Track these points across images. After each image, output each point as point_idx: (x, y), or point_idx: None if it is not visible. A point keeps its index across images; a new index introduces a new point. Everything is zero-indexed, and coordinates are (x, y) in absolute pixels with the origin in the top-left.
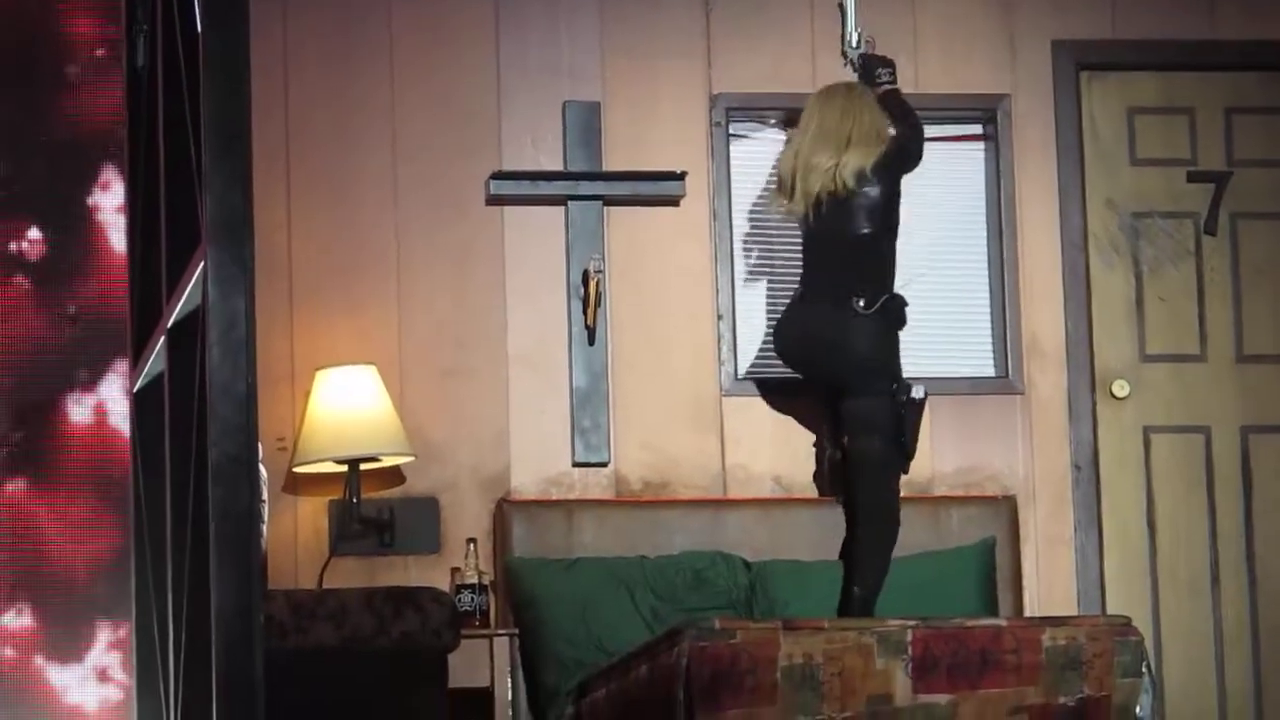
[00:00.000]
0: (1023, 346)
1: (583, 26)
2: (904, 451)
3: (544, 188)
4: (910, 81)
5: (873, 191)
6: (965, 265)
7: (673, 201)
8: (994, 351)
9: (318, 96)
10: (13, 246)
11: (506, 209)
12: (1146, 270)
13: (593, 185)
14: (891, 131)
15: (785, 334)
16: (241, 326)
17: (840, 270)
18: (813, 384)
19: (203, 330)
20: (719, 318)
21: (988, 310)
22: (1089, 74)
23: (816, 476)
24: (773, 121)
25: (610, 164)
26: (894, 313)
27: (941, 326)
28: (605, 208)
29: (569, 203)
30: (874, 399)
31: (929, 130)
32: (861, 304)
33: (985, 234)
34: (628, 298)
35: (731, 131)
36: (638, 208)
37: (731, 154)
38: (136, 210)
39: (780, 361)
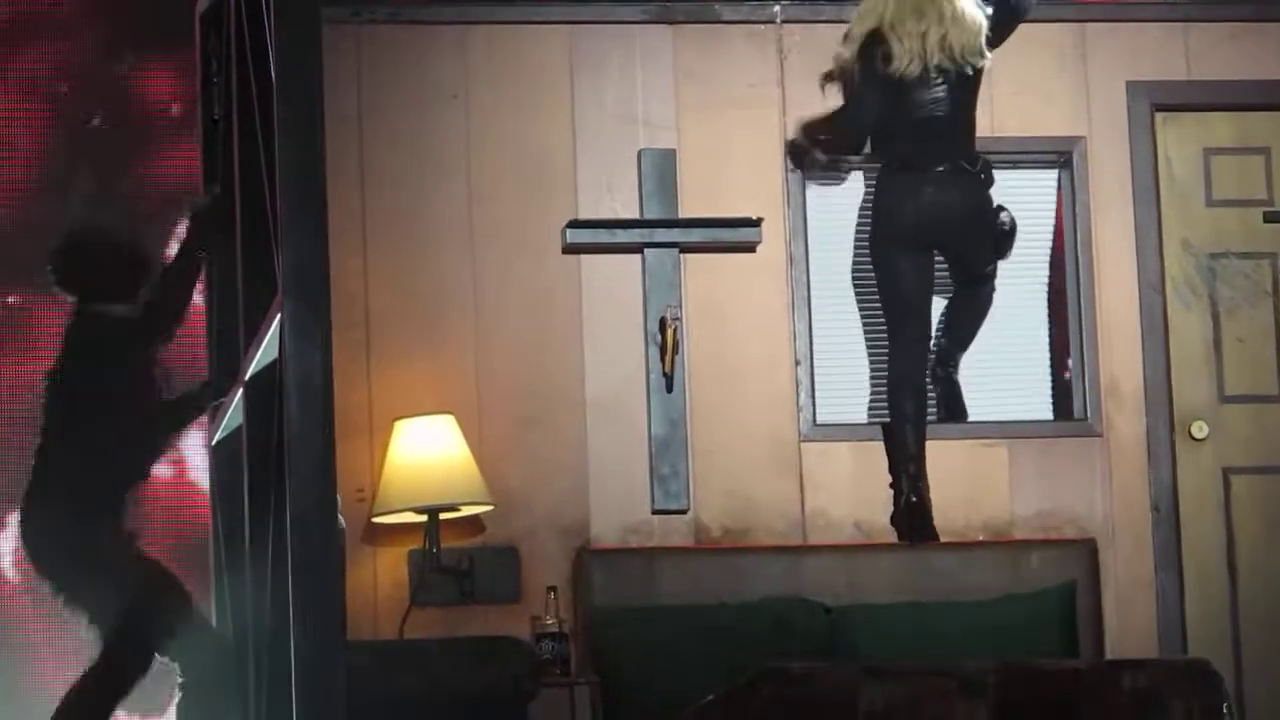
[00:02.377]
0: (1101, 389)
1: (658, 75)
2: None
3: (620, 236)
4: (985, 126)
5: (981, 64)
6: (1040, 306)
7: (749, 248)
8: (1073, 394)
9: (393, 145)
10: None
11: (583, 256)
12: (1224, 311)
13: (669, 232)
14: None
15: (909, 201)
16: (319, 379)
17: (959, 139)
18: (928, 243)
19: (281, 383)
20: (796, 363)
21: (1053, 353)
22: (1164, 115)
23: (895, 520)
24: (847, 167)
25: (686, 211)
26: (989, 175)
27: (1014, 368)
28: (682, 255)
29: (645, 250)
30: (987, 234)
31: (1005, 173)
32: (976, 166)
33: (1045, 274)
34: (705, 344)
35: (808, 181)
36: (714, 254)
37: (807, 199)
38: (213, 264)
39: (894, 233)
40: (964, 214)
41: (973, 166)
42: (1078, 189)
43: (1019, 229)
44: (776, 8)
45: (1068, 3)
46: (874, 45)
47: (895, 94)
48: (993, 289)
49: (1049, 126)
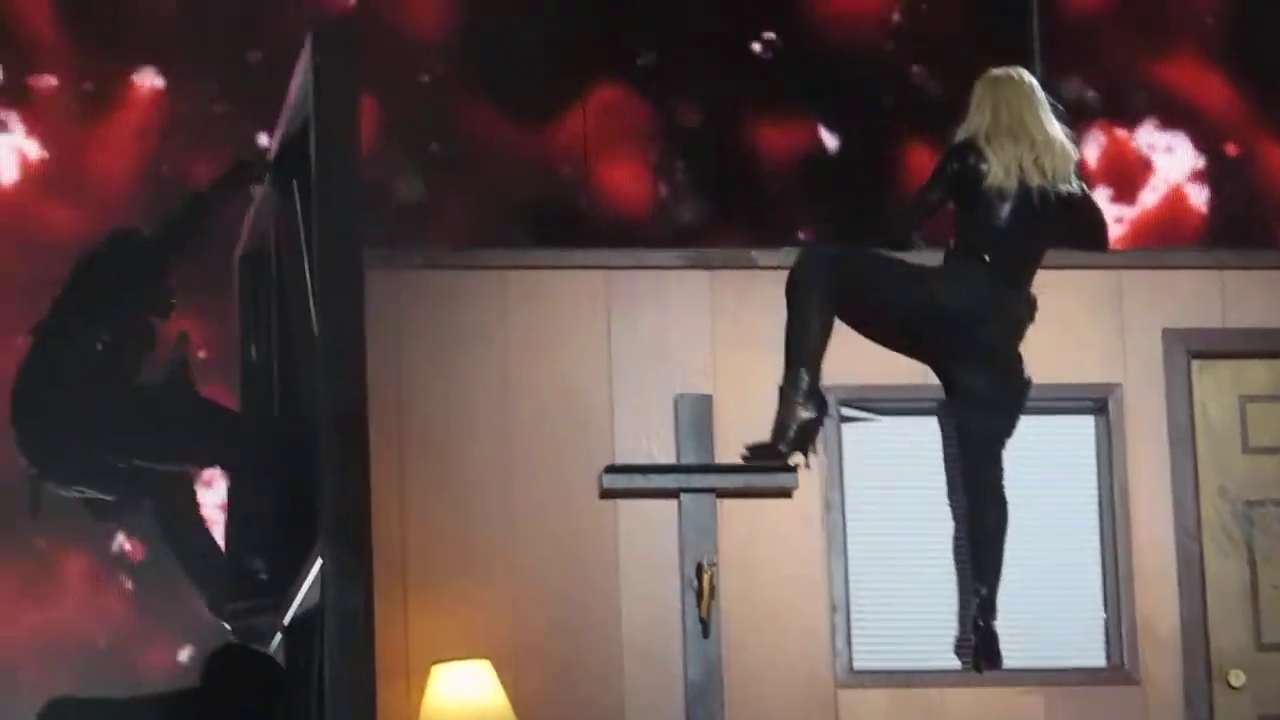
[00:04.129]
0: (1138, 635)
1: (693, 319)
2: (1012, 431)
3: (656, 481)
4: None
5: (1070, 200)
6: (1075, 550)
7: (785, 493)
8: (1107, 640)
9: (431, 387)
10: (114, 546)
11: (620, 501)
12: (1260, 558)
13: (705, 478)
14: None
15: (961, 292)
16: (359, 625)
17: (1023, 258)
18: (948, 350)
19: (321, 627)
20: (833, 609)
21: (1100, 597)
22: (1200, 362)
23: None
24: (885, 413)
25: (722, 456)
26: (1034, 309)
27: (1052, 612)
28: (718, 499)
29: (682, 495)
30: (1012, 376)
31: (1039, 420)
32: (1032, 299)
33: (1097, 520)
34: (741, 589)
35: (844, 421)
36: (751, 500)
37: (844, 444)
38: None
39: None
40: (1000, 334)
41: (1029, 296)
42: (1114, 435)
43: (1058, 476)
44: None
45: (1104, 250)
46: (967, 155)
47: (980, 205)
48: (1000, 471)
49: (1085, 373)
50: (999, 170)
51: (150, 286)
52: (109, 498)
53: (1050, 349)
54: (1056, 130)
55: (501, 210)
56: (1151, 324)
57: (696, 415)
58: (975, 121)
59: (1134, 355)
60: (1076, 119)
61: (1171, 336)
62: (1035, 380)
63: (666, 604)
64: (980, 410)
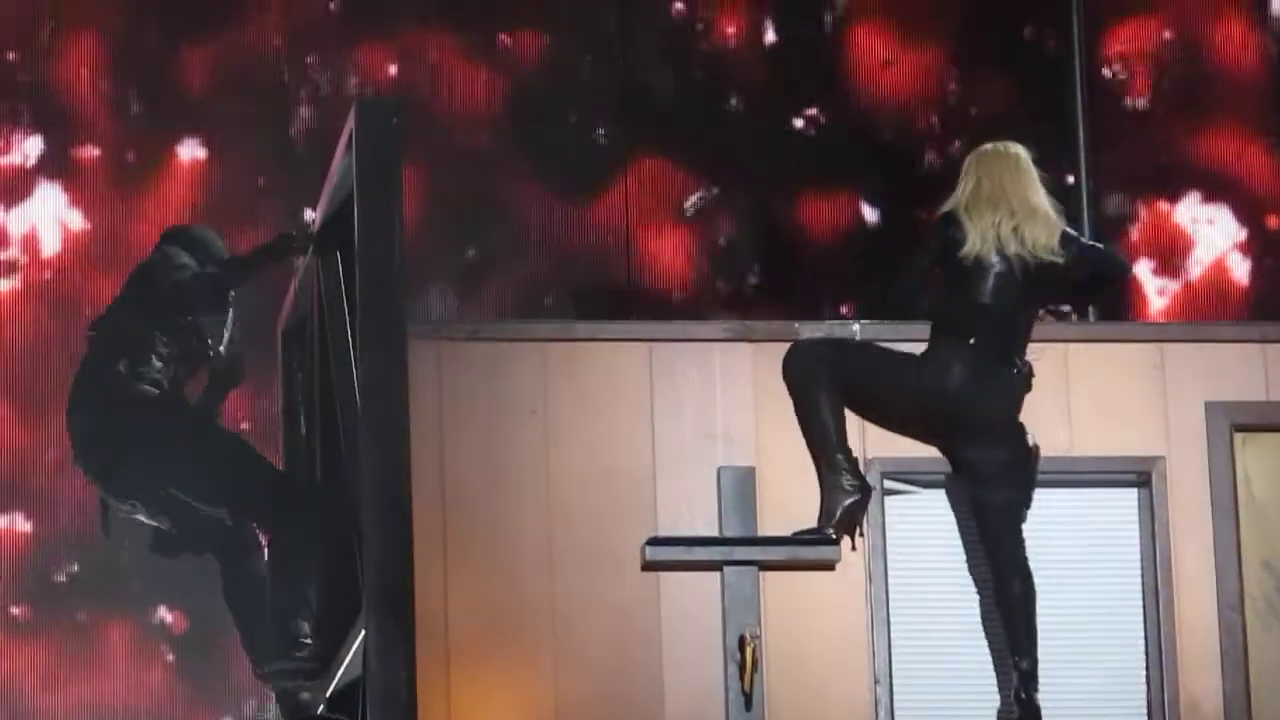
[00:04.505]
0: (1180, 709)
1: (737, 391)
2: (1029, 501)
3: (699, 553)
4: (1064, 443)
5: (1055, 268)
6: (1116, 624)
7: (829, 566)
8: (1149, 713)
9: (474, 459)
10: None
11: (662, 573)
12: None
13: (748, 550)
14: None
15: (945, 374)
16: (402, 698)
17: (1010, 332)
18: (944, 430)
19: (363, 699)
20: (876, 682)
21: (1143, 671)
22: (1243, 435)
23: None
24: (927, 485)
25: (765, 528)
26: (1030, 378)
27: (1095, 686)
28: (761, 572)
29: (725, 568)
30: (1017, 449)
31: (1082, 493)
32: (1022, 367)
33: (1140, 593)
34: (784, 663)
35: (887, 494)
36: (794, 572)
37: (886, 517)
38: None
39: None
40: (995, 410)
41: (1021, 367)
42: (1157, 508)
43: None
44: (855, 326)
45: (1147, 322)
46: (946, 225)
47: (961, 276)
48: (1021, 542)
49: (1128, 445)
50: (975, 238)
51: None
52: (166, 526)
53: (1093, 421)
54: (1041, 200)
55: (545, 282)
56: (1194, 396)
57: (739, 487)
58: (957, 193)
59: (1177, 428)
60: (1122, 192)
61: (1214, 409)
62: (1079, 453)
63: (709, 677)
64: (989, 485)
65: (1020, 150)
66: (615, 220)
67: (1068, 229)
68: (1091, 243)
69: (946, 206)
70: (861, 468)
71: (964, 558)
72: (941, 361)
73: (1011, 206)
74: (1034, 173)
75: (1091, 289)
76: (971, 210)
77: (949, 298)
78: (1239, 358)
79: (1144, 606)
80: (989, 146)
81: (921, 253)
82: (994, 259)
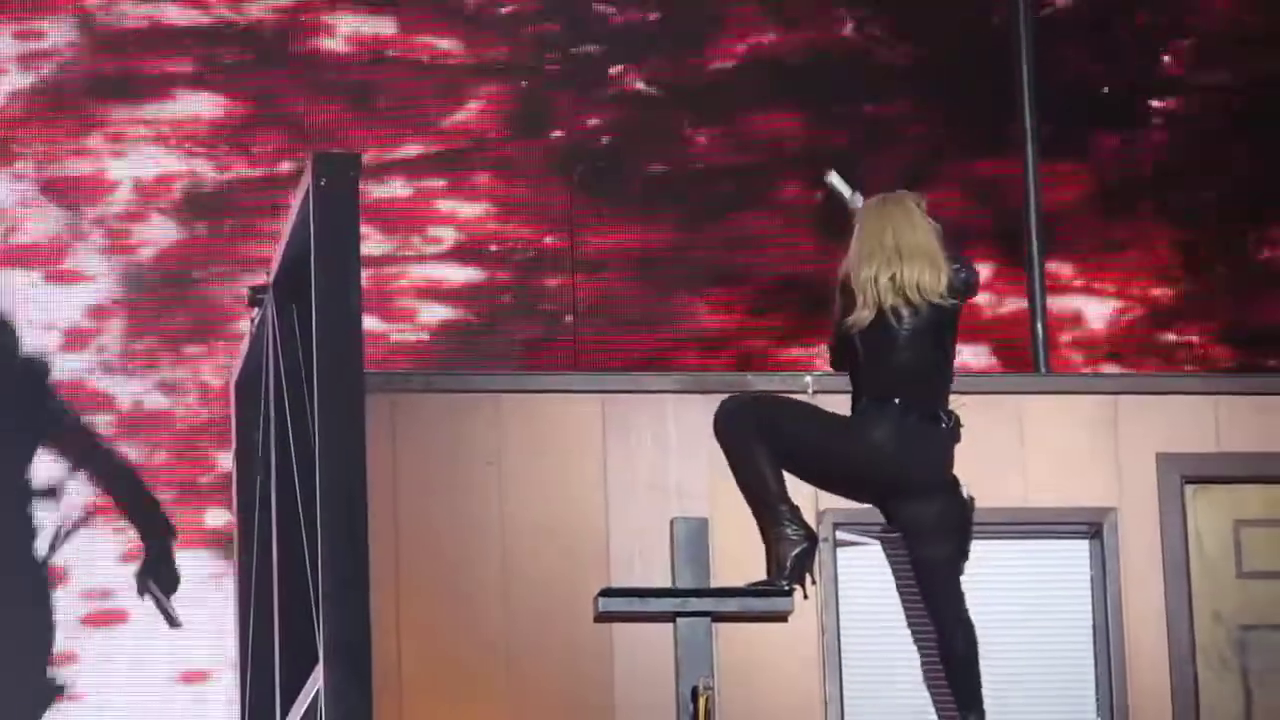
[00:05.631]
0: None
1: (690, 443)
2: (966, 553)
3: (652, 604)
4: (1018, 495)
5: (951, 308)
6: (1069, 675)
7: (782, 617)
8: None
9: (427, 511)
10: None
11: (615, 625)
12: (1255, 683)
13: (701, 602)
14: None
15: (872, 438)
16: None
17: (928, 386)
18: (877, 491)
19: None
20: None
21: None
22: (1194, 487)
23: None
24: (878, 536)
25: (719, 580)
26: (958, 429)
27: None
28: (714, 623)
29: (678, 619)
30: (951, 503)
31: (1033, 545)
32: (949, 420)
33: (1091, 644)
34: (739, 713)
35: (839, 545)
36: (747, 623)
37: (839, 568)
38: (249, 622)
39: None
40: (927, 468)
41: (945, 419)
42: (1108, 560)
43: (1052, 600)
44: (808, 379)
45: (1100, 374)
46: (838, 292)
47: (865, 340)
48: (961, 595)
49: (1080, 497)
50: (859, 300)
51: None
52: None
53: (1045, 473)
54: (922, 240)
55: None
56: (1146, 448)
57: (692, 539)
58: (849, 253)
59: (1129, 479)
60: None
61: (1166, 461)
62: (1031, 504)
63: None
64: (926, 540)
65: (907, 196)
66: (562, 271)
67: (954, 264)
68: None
69: (841, 270)
70: (813, 519)
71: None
72: (869, 423)
73: (887, 255)
74: (917, 215)
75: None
76: (854, 271)
77: (860, 366)
78: (1191, 410)
79: (1095, 657)
80: (874, 199)
81: (833, 319)
82: (888, 319)
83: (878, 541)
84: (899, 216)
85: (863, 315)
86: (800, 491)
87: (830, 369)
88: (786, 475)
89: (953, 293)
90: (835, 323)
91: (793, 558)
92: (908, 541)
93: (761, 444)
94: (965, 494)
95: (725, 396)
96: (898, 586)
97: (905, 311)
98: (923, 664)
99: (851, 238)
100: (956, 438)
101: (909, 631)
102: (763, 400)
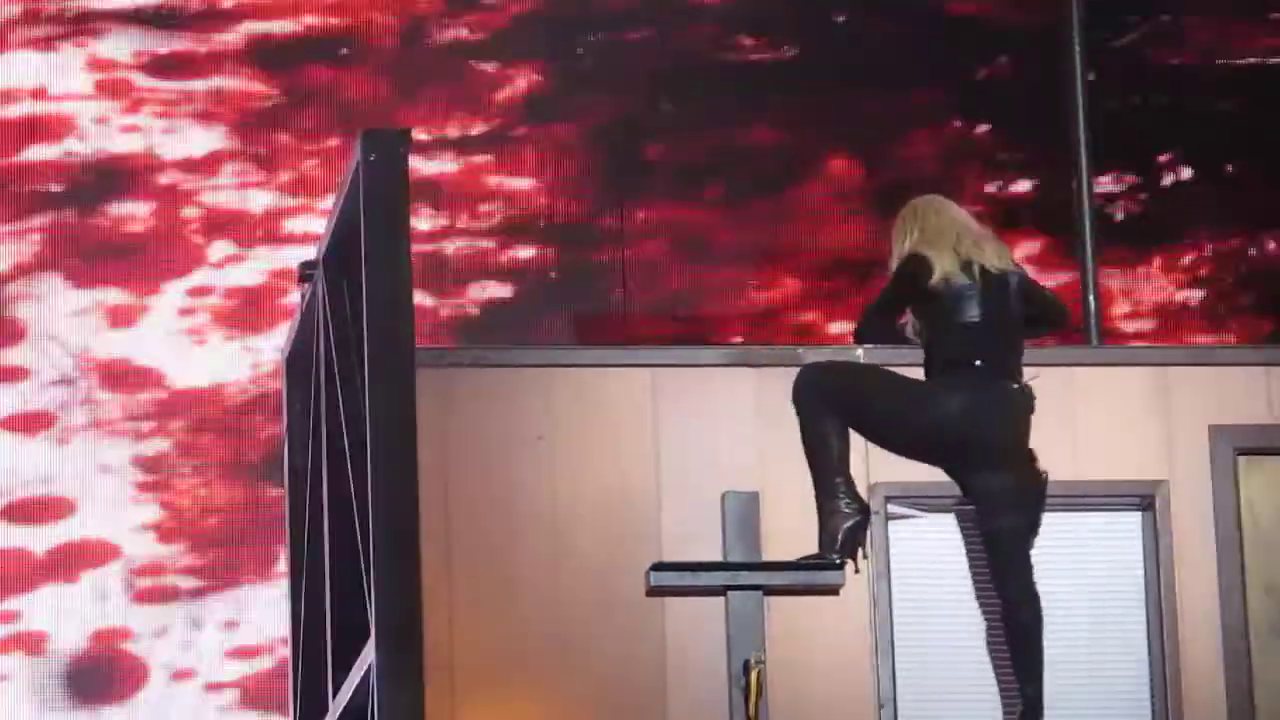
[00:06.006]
0: None
1: (740, 417)
2: (1037, 527)
3: (704, 578)
4: (1068, 469)
5: (1021, 277)
6: (1121, 647)
7: (833, 591)
8: None
9: (478, 487)
10: None
11: (667, 600)
12: None
13: (752, 575)
14: None
15: (951, 403)
16: None
17: (1005, 349)
18: (954, 459)
19: None
20: (880, 706)
21: (1147, 695)
22: (1246, 459)
23: None
24: (930, 510)
25: (770, 553)
26: (1033, 399)
27: (1098, 711)
28: (765, 597)
29: (729, 592)
30: (1026, 475)
31: (1086, 517)
32: (1027, 385)
33: (1144, 617)
34: (789, 687)
35: (891, 519)
36: (798, 597)
37: (890, 542)
38: (300, 600)
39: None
40: (1004, 434)
41: (1023, 385)
42: (1160, 533)
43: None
44: (859, 351)
45: (1150, 346)
46: (909, 263)
47: (942, 306)
48: (1030, 568)
49: (1131, 470)
50: (941, 264)
51: None
52: None
53: (1097, 445)
54: (984, 229)
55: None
56: (1198, 420)
57: (743, 512)
58: (905, 243)
59: (1180, 452)
60: None
61: (1218, 433)
62: (1082, 477)
63: (714, 702)
64: (999, 512)
65: (945, 199)
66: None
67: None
68: (1040, 284)
69: (904, 249)
70: (865, 492)
71: (969, 583)
72: (948, 387)
73: (962, 231)
74: (965, 212)
75: (1029, 327)
76: (926, 246)
77: (938, 330)
78: (1243, 381)
79: (1148, 631)
80: (918, 199)
81: (888, 289)
82: (965, 280)
83: (931, 514)
84: (958, 211)
85: (955, 275)
86: (853, 464)
87: (858, 337)
88: (856, 447)
89: (1019, 270)
90: (891, 290)
91: (844, 531)
92: (979, 512)
93: (834, 413)
94: (1041, 468)
95: (806, 366)
96: (968, 557)
97: (989, 280)
98: (988, 636)
99: (897, 232)
100: (1032, 407)
101: (969, 602)
102: (842, 367)
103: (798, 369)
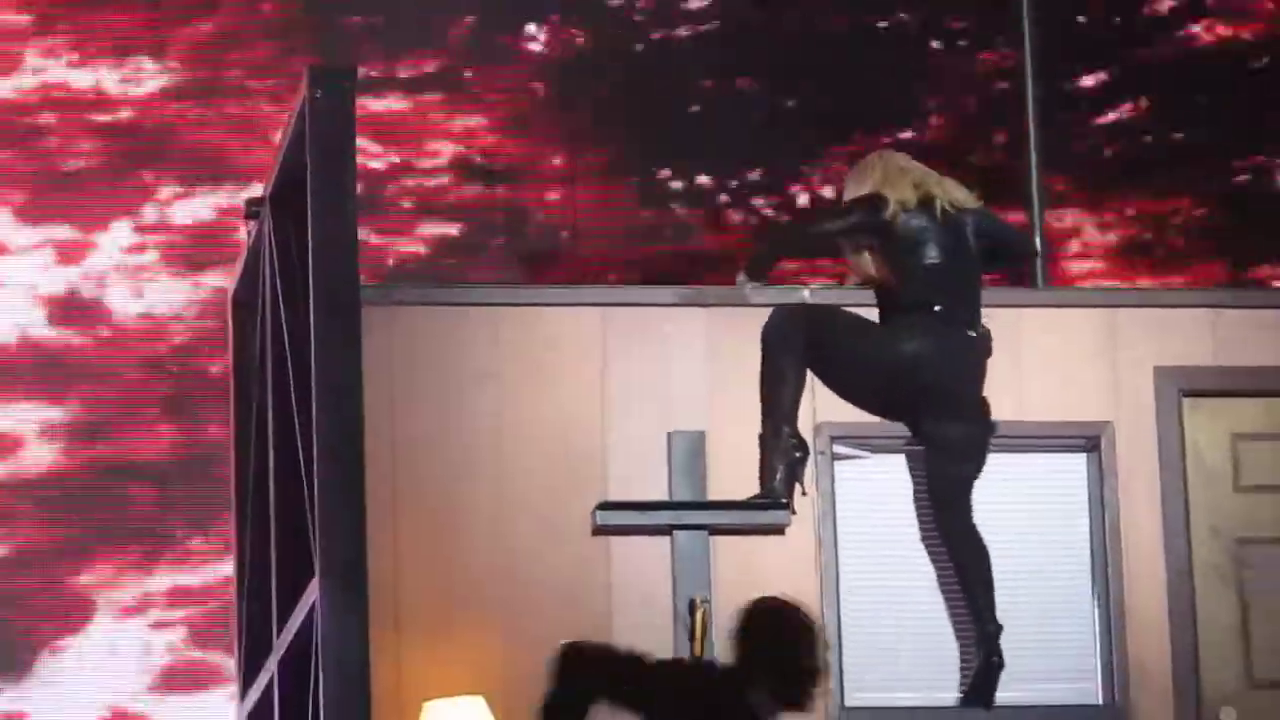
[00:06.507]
0: (1129, 673)
1: (688, 357)
2: (980, 471)
3: (650, 517)
4: (1013, 409)
5: (978, 214)
6: (1066, 588)
7: (778, 530)
8: (1100, 678)
9: (425, 424)
10: None
11: (613, 538)
12: (1251, 596)
13: (698, 515)
14: None
15: (908, 347)
16: (354, 663)
17: (965, 291)
18: (903, 406)
19: (316, 662)
20: (826, 647)
21: (1093, 635)
22: (1192, 400)
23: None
24: (876, 450)
25: (716, 493)
26: (990, 342)
27: (1044, 650)
28: (711, 537)
29: (675, 532)
30: (979, 425)
31: (1031, 458)
32: (985, 329)
33: (1090, 558)
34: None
35: (836, 459)
36: (743, 537)
37: (836, 482)
38: (245, 537)
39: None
40: (962, 381)
41: (981, 331)
42: (1105, 474)
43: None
44: (806, 292)
45: (1097, 289)
46: (865, 200)
47: (899, 248)
48: (971, 511)
49: (1077, 411)
50: (903, 193)
51: None
52: None
53: (1042, 387)
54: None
55: (496, 247)
56: (1144, 362)
57: (690, 452)
58: (864, 187)
59: (1126, 393)
60: None
61: (1163, 374)
62: (1028, 418)
63: (660, 641)
64: (954, 459)
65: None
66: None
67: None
68: (1000, 218)
69: (863, 190)
70: (810, 432)
71: (914, 523)
72: (909, 330)
73: (924, 173)
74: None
75: (990, 260)
76: (887, 187)
77: (897, 271)
78: (1189, 324)
79: (1093, 571)
80: (882, 150)
81: (832, 220)
82: (923, 220)
83: (875, 454)
84: (912, 161)
85: (911, 207)
86: (801, 405)
87: (751, 269)
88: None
89: (979, 205)
90: (835, 221)
91: (784, 468)
92: (930, 455)
93: (795, 353)
94: (992, 418)
95: (778, 306)
96: (915, 499)
97: (946, 221)
98: (938, 579)
99: (857, 175)
100: (988, 352)
101: (914, 542)
102: (812, 311)
103: (747, 309)
